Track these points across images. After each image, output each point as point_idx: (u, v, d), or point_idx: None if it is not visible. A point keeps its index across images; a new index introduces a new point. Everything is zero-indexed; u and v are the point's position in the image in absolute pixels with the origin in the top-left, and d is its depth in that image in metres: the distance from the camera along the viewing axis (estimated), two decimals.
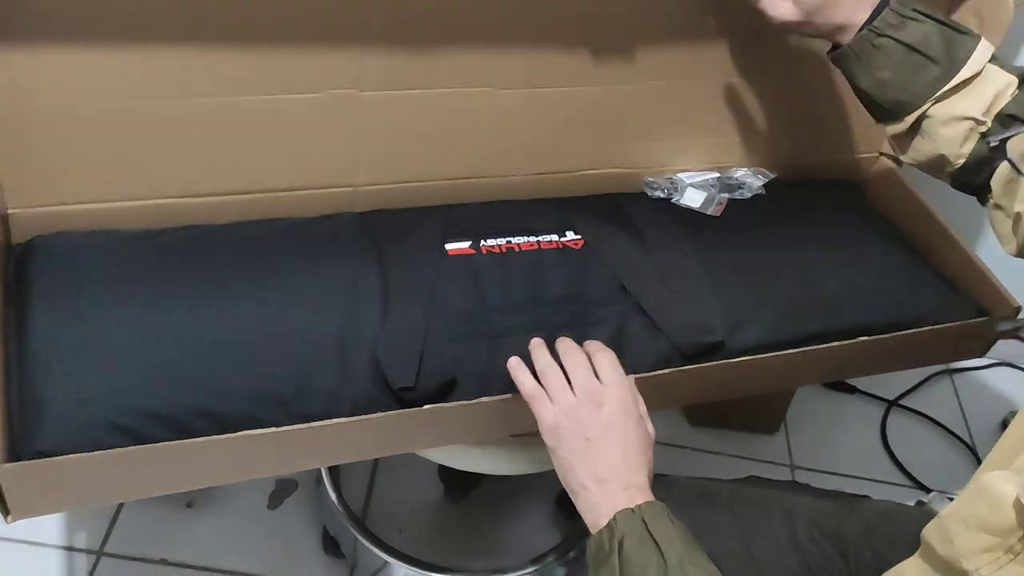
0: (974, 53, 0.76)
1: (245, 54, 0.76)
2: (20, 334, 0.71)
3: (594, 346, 0.74)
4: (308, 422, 0.71)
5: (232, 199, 0.85)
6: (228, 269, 0.78)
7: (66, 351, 0.69)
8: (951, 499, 1.42)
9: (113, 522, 1.20)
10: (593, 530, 0.64)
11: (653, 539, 0.60)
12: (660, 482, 0.71)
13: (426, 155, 0.91)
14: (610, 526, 0.62)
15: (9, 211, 0.79)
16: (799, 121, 1.06)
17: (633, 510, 0.62)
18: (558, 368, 0.71)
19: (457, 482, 1.28)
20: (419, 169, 0.91)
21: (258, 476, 0.74)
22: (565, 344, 0.74)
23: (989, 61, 0.77)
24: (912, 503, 1.42)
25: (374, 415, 0.71)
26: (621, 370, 0.72)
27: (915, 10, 0.77)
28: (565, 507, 1.27)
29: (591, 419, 0.68)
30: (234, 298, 0.76)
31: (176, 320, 0.73)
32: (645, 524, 0.61)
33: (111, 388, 0.68)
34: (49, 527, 1.17)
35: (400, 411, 0.72)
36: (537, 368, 0.72)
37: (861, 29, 0.78)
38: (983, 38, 0.77)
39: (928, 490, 1.48)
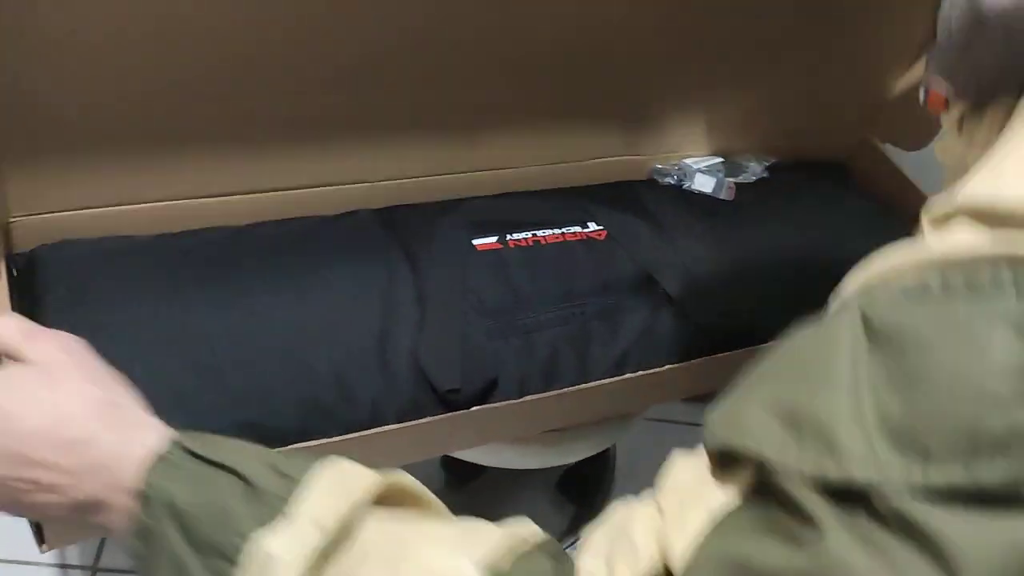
0: None
1: (264, 47, 0.73)
2: None
3: None
4: (354, 429, 0.68)
5: (247, 198, 0.81)
6: (255, 272, 0.74)
7: None
8: None
9: (105, 537, 1.15)
10: None
11: None
12: None
13: (441, 148, 0.88)
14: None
15: (10, 219, 0.74)
16: (793, 105, 1.07)
17: None
18: None
19: (459, 470, 1.26)
20: (435, 163, 0.89)
21: None
22: None
23: None
24: None
25: (423, 420, 0.69)
26: None
27: None
28: (566, 491, 1.27)
29: None
30: (265, 301, 0.72)
31: (207, 328, 0.69)
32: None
33: (150, 407, 0.64)
34: None
35: (449, 415, 0.70)
36: None
37: None
38: None
39: None
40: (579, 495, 1.17)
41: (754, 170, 1.06)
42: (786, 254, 0.92)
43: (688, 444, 0.42)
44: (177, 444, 0.43)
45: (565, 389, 0.76)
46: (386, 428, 0.68)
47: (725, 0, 0.91)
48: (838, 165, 1.16)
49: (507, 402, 0.73)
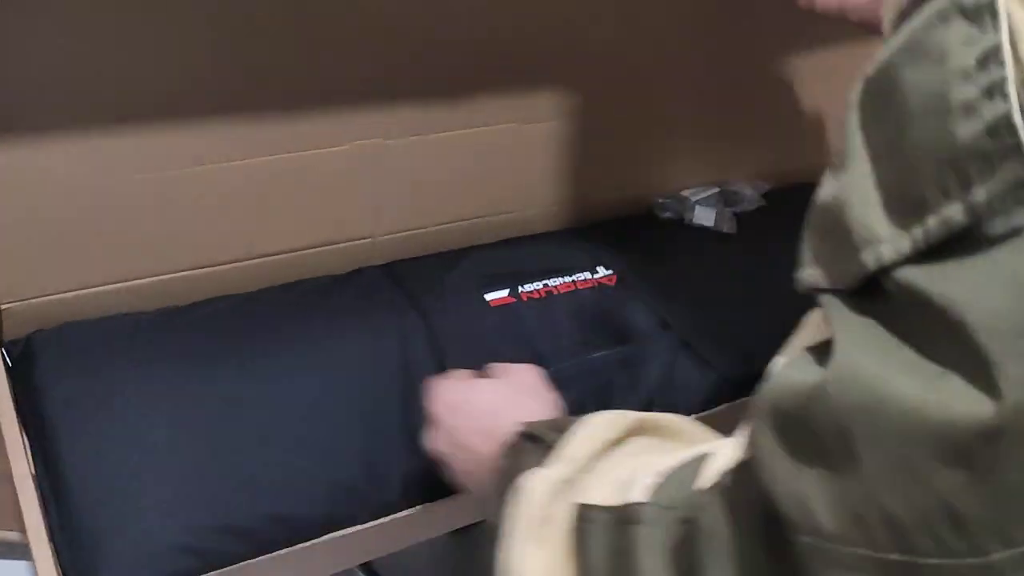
0: None
1: (269, 118, 0.70)
2: (47, 455, 0.63)
3: None
4: (385, 510, 0.66)
5: (250, 264, 0.78)
6: (267, 344, 0.72)
7: (108, 470, 0.61)
8: None
9: None
10: None
11: None
12: None
13: (446, 198, 0.86)
14: None
15: (3, 306, 0.69)
16: (787, 130, 1.07)
17: None
18: None
19: None
20: (438, 213, 0.87)
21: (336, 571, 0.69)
22: None
23: None
24: None
25: (457, 497, 0.67)
26: None
27: None
28: None
29: None
30: (281, 376, 0.70)
31: (223, 412, 0.66)
32: None
33: (170, 507, 0.61)
34: None
35: None
36: None
37: None
38: None
39: None
40: None
41: (751, 198, 1.06)
42: (793, 291, 0.91)
43: None
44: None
45: None
46: (416, 510, 0.66)
47: (715, 30, 0.90)
48: None
49: None
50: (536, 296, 0.82)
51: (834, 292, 0.30)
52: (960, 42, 0.25)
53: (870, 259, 0.27)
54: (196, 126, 0.68)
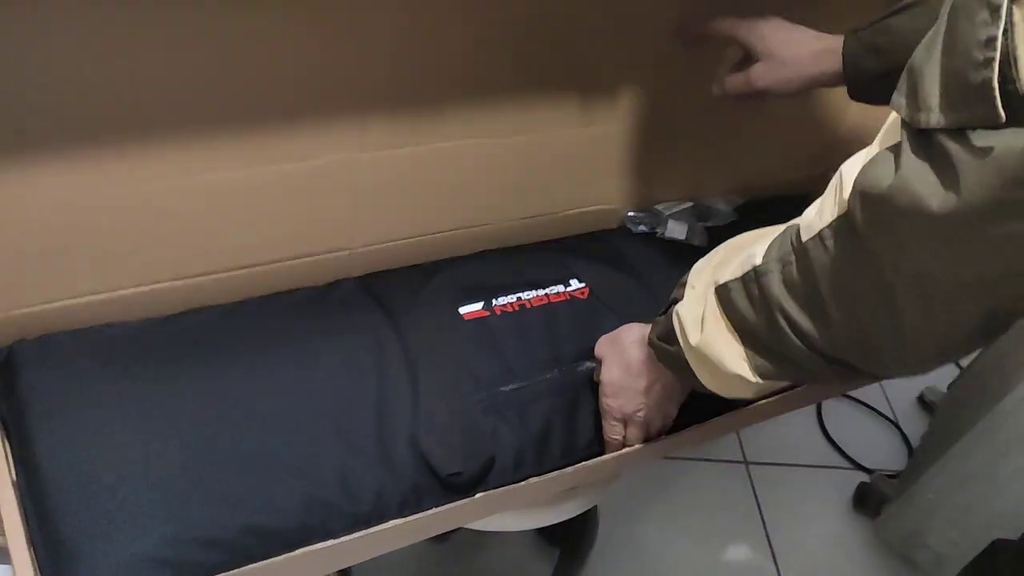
0: None
1: (246, 132, 0.71)
2: (27, 464, 0.64)
3: None
4: (359, 522, 0.68)
5: (228, 275, 0.79)
6: (246, 357, 0.74)
7: (86, 481, 0.63)
8: (890, 477, 1.53)
9: None
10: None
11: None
12: None
13: (420, 210, 0.88)
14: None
15: None
16: (760, 144, 1.09)
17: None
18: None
19: None
20: (414, 225, 0.88)
21: None
22: None
23: None
24: (855, 484, 1.52)
25: (431, 512, 0.69)
26: None
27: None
28: (550, 536, 1.28)
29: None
30: (260, 389, 0.72)
31: (202, 425, 0.68)
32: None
33: (148, 518, 0.62)
34: None
35: (454, 505, 0.70)
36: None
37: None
38: None
39: (869, 471, 1.58)
40: (564, 539, 1.18)
41: (723, 213, 1.08)
42: None
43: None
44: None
45: (572, 467, 0.76)
46: (394, 524, 0.68)
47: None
48: (802, 199, 1.17)
49: (512, 486, 0.73)
50: (509, 310, 0.85)
51: (905, 122, 0.46)
52: (981, 22, 0.40)
53: (923, 119, 0.44)
54: (174, 141, 0.69)
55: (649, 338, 0.73)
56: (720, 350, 0.63)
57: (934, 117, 0.43)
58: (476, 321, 0.83)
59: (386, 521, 0.68)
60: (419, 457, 0.71)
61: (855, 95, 0.77)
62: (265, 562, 0.62)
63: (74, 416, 0.66)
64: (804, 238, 0.55)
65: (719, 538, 1.42)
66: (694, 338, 0.64)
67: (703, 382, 0.66)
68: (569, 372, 0.82)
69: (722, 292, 0.62)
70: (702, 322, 0.64)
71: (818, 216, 0.54)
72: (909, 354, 0.53)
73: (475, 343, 0.81)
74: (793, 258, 0.56)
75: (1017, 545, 1.05)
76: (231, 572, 0.61)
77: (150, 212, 0.72)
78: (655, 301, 0.89)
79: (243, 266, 0.80)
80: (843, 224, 0.52)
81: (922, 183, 0.44)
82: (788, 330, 0.57)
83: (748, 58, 0.80)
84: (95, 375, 0.69)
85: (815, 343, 0.56)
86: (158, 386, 0.70)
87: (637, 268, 0.94)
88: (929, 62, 0.45)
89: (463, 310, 0.83)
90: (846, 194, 0.51)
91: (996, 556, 1.07)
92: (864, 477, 1.56)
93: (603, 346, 0.79)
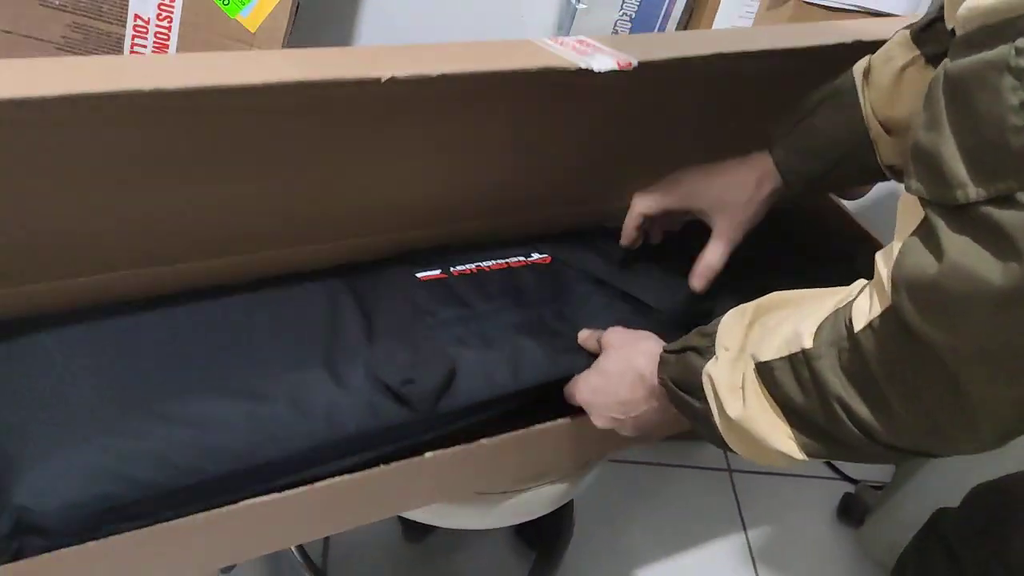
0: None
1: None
2: None
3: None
4: (312, 441, 0.66)
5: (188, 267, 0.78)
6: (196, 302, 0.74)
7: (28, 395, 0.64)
8: (876, 488, 1.50)
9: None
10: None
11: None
12: None
13: (395, 210, 0.86)
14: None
15: None
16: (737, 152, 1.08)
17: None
18: None
19: (416, 522, 1.24)
20: (385, 224, 0.86)
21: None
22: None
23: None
24: (840, 495, 1.49)
25: (377, 470, 0.68)
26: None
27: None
28: (526, 538, 1.26)
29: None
30: (208, 324, 0.73)
31: (150, 343, 0.70)
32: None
33: (93, 432, 0.62)
34: None
35: (405, 463, 0.69)
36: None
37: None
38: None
39: (854, 481, 1.56)
40: (539, 540, 1.16)
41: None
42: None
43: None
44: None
45: (525, 430, 0.73)
46: (339, 480, 0.66)
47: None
48: (786, 211, 1.17)
49: (462, 446, 0.71)
50: (467, 273, 0.84)
51: (931, 203, 0.46)
52: (1010, 88, 0.41)
53: (960, 195, 0.43)
54: None
55: (660, 376, 0.67)
56: (763, 428, 0.59)
57: (972, 191, 0.43)
58: (433, 281, 0.83)
59: (342, 437, 0.67)
60: (372, 376, 0.70)
61: (795, 198, 0.81)
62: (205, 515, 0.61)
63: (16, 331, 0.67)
64: (856, 328, 0.53)
65: (700, 546, 1.39)
66: (734, 411, 0.60)
67: (733, 448, 0.62)
68: (532, 313, 0.81)
69: (764, 370, 0.58)
70: (742, 393, 0.60)
71: (868, 305, 0.52)
72: (987, 436, 0.52)
73: (434, 297, 0.80)
74: (847, 345, 0.53)
75: (956, 512, 1.03)
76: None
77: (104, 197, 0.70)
78: (619, 260, 0.89)
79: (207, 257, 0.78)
80: (890, 317, 0.50)
81: (977, 259, 0.43)
82: (846, 419, 0.54)
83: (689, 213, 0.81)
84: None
85: (877, 434, 0.54)
86: (110, 319, 0.71)
87: (603, 247, 0.92)
88: (942, 140, 0.44)
89: (420, 274, 0.83)
90: (887, 289, 0.50)
91: (937, 524, 1.05)
92: (849, 488, 1.53)
93: (615, 334, 0.74)
